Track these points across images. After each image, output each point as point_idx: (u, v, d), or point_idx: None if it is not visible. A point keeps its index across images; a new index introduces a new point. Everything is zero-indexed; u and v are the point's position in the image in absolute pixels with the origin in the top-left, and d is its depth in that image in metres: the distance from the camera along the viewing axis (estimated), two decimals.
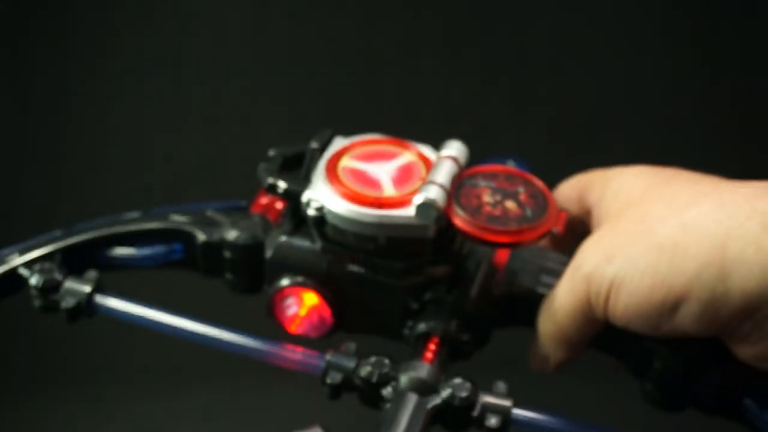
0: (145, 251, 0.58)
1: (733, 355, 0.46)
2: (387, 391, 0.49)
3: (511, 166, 0.56)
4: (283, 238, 0.53)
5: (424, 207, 0.49)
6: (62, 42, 1.51)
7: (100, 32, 1.52)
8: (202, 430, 1.35)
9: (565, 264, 0.52)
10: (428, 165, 0.52)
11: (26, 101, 1.51)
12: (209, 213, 0.58)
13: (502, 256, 0.54)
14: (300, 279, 0.53)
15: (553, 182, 0.56)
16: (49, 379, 1.40)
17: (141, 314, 0.53)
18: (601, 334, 0.50)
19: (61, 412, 1.37)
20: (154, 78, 1.52)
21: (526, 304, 0.53)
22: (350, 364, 0.50)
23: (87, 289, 0.54)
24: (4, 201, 1.46)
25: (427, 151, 0.54)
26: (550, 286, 0.52)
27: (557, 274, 0.52)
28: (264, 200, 0.57)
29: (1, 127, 1.50)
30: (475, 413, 0.48)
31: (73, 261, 0.56)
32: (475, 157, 0.55)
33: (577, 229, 0.56)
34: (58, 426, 1.36)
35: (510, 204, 0.51)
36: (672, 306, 0.44)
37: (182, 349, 1.42)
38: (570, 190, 0.55)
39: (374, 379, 0.49)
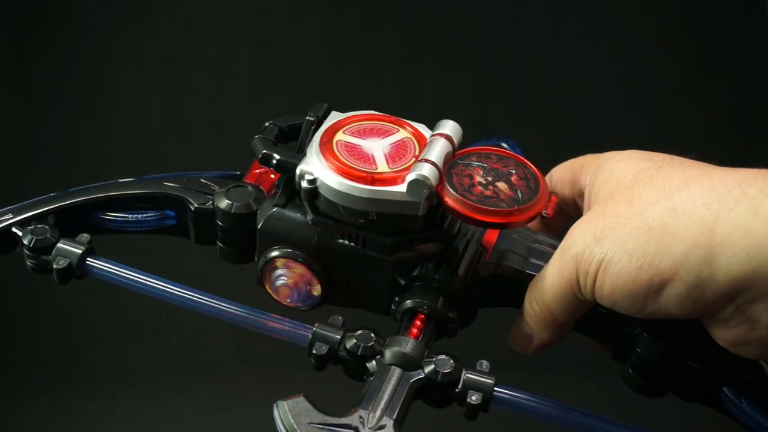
0: (138, 216, 0.58)
1: (713, 344, 0.47)
2: (371, 365, 0.49)
3: (504, 148, 0.56)
4: (275, 209, 0.53)
5: (416, 184, 0.49)
6: (66, 29, 1.51)
7: (104, 21, 1.52)
8: (202, 428, 1.35)
9: (553, 246, 0.52)
10: (422, 143, 0.53)
11: (30, 90, 1.52)
12: (203, 181, 0.58)
13: (492, 236, 0.54)
14: (290, 250, 0.53)
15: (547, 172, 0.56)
16: (50, 379, 1.41)
17: (131, 278, 0.54)
18: (585, 318, 0.51)
19: (62, 411, 1.37)
20: (156, 66, 1.52)
21: (513, 285, 0.53)
22: (336, 336, 0.50)
23: (79, 250, 0.54)
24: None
25: (421, 129, 0.54)
26: (538, 268, 0.52)
27: (545, 256, 0.53)
28: (258, 170, 0.58)
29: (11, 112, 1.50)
30: (458, 390, 0.49)
31: (66, 224, 0.56)
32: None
33: (569, 212, 0.56)
34: (59, 425, 1.36)
35: (501, 185, 0.51)
36: (658, 287, 0.45)
37: (182, 349, 1.43)
38: (563, 173, 0.55)
39: (359, 351, 0.50)
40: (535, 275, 0.52)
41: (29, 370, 1.42)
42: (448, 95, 1.54)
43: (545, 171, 0.56)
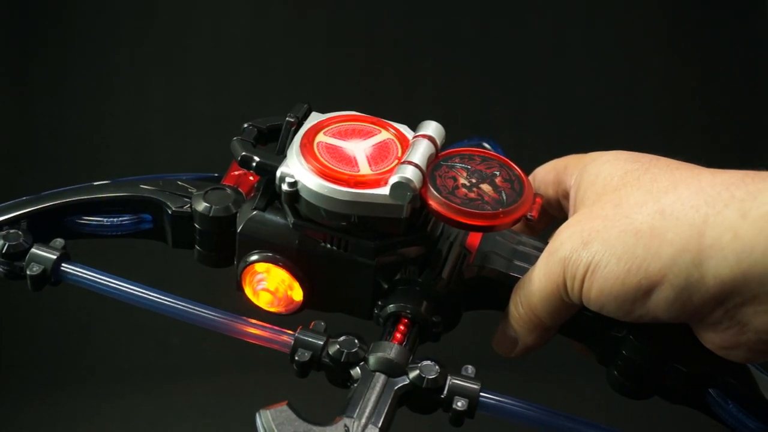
0: (114, 220, 0.57)
1: (698, 346, 0.46)
2: (355, 371, 0.49)
3: (486, 148, 0.55)
4: (255, 212, 0.52)
5: (399, 187, 0.48)
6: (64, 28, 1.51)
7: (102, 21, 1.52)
8: (202, 428, 1.35)
9: (537, 248, 0.51)
10: (405, 144, 0.52)
11: (30, 90, 1.52)
12: (180, 183, 0.57)
13: (475, 238, 0.54)
14: (270, 254, 0.52)
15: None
16: (50, 379, 1.41)
17: (107, 284, 0.53)
18: (571, 322, 0.50)
19: (62, 411, 1.37)
20: (157, 66, 1.52)
21: (498, 287, 0.52)
22: (319, 342, 0.49)
23: (53, 256, 0.53)
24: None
25: (403, 130, 0.53)
26: (522, 271, 0.51)
27: (530, 258, 0.52)
28: (236, 172, 0.57)
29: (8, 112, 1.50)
30: (443, 396, 0.48)
31: (39, 228, 0.55)
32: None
33: (553, 213, 0.55)
34: (59, 425, 1.36)
35: (486, 187, 0.50)
36: (646, 290, 0.44)
37: (181, 349, 1.43)
38: (546, 173, 0.54)
39: (343, 358, 0.49)
40: (519, 277, 0.51)
41: (29, 370, 1.42)
42: (448, 95, 1.54)
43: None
